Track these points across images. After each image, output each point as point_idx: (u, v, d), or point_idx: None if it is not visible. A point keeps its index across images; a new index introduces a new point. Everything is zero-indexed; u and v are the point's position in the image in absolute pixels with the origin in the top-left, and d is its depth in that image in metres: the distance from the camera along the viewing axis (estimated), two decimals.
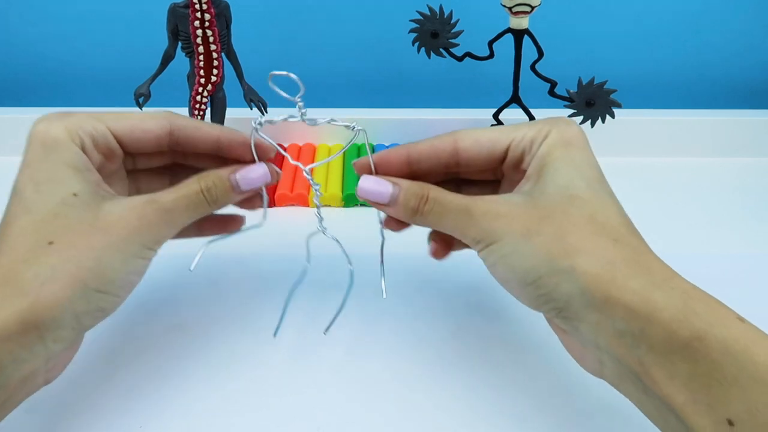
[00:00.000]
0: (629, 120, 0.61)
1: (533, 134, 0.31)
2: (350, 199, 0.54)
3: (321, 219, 0.38)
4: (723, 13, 0.67)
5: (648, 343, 0.24)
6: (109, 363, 0.38)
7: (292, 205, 0.54)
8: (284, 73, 0.33)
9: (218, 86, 0.52)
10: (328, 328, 0.39)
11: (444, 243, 0.36)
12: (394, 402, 0.36)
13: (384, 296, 0.39)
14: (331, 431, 0.34)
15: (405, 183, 0.32)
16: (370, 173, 0.34)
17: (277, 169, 0.36)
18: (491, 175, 0.34)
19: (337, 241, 0.39)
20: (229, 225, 0.38)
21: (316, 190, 0.38)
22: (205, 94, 0.52)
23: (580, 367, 0.30)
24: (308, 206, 0.55)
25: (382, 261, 0.39)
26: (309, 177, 0.37)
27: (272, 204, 0.54)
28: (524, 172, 0.31)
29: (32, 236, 0.27)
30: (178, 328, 0.40)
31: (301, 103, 0.35)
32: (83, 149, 0.31)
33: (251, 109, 0.55)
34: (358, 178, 0.34)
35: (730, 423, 0.22)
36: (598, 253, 0.26)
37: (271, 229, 0.47)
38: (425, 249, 0.36)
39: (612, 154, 0.63)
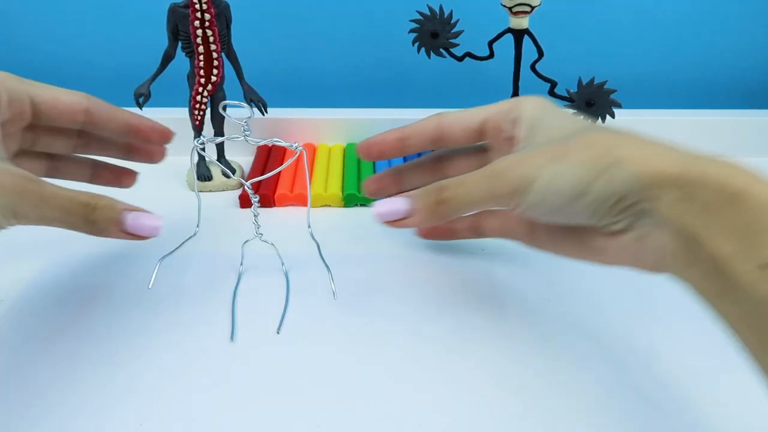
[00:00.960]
0: (629, 120, 0.61)
1: (509, 105, 0.37)
2: (350, 199, 0.54)
3: (258, 226, 0.43)
4: (723, 14, 0.67)
5: (699, 203, 0.27)
6: (109, 362, 0.38)
7: (292, 205, 0.54)
8: (236, 102, 0.38)
9: (218, 86, 0.52)
10: (279, 327, 0.40)
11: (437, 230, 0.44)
12: (392, 401, 0.36)
13: (335, 298, 0.42)
14: (331, 430, 0.34)
15: (412, 192, 0.35)
16: (376, 182, 0.42)
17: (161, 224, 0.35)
18: (474, 139, 0.40)
19: (273, 245, 0.44)
20: (123, 178, 0.43)
21: (254, 201, 0.42)
22: (205, 94, 0.52)
23: (637, 271, 0.32)
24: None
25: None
26: (249, 190, 0.42)
27: (272, 204, 0.54)
28: (509, 139, 0.36)
29: None
30: (177, 326, 0.40)
31: (245, 125, 0.38)
32: None
33: (252, 108, 0.55)
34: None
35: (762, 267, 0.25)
36: (635, 145, 0.30)
37: (271, 229, 0.47)
38: (422, 250, 0.37)
39: None
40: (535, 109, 0.35)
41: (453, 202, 0.33)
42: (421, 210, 0.33)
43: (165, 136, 0.40)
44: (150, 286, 0.42)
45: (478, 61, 0.54)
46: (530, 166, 0.31)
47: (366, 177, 0.58)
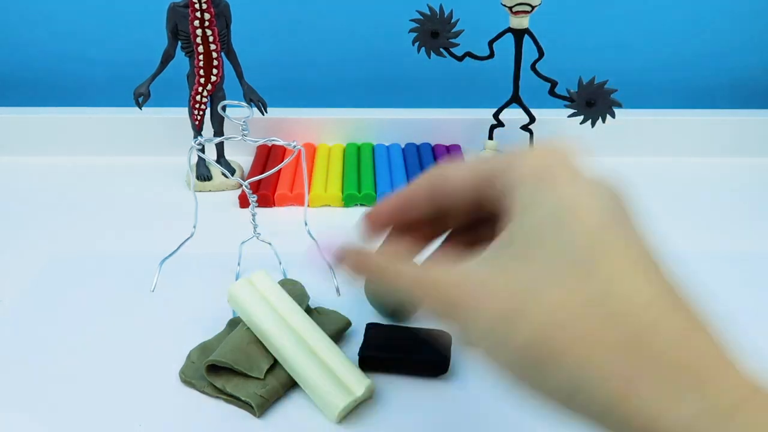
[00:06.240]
0: (629, 120, 0.61)
1: (501, 165, 0.24)
2: (350, 199, 0.54)
3: (256, 226, 0.43)
4: (723, 14, 0.67)
5: None
6: (108, 362, 0.38)
7: (292, 204, 0.54)
8: (235, 102, 0.39)
9: (218, 86, 0.52)
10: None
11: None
12: (388, 399, 0.36)
13: (338, 295, 0.43)
14: (332, 430, 0.34)
15: (349, 250, 0.29)
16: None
17: None
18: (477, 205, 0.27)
19: (270, 244, 0.44)
20: None
21: (252, 201, 0.42)
22: (205, 93, 0.52)
23: None
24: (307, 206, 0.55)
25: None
26: (248, 190, 0.41)
27: (272, 204, 0.54)
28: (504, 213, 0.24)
29: None
30: (177, 327, 0.40)
31: (243, 124, 0.38)
32: None
33: (251, 108, 0.55)
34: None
35: None
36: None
37: (271, 229, 0.47)
38: None
39: (612, 154, 0.63)
40: (534, 182, 0.22)
41: (377, 284, 0.27)
42: (345, 272, 0.28)
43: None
44: (152, 290, 0.42)
45: (478, 61, 0.54)
46: (470, 312, 0.22)
47: (366, 178, 0.58)
